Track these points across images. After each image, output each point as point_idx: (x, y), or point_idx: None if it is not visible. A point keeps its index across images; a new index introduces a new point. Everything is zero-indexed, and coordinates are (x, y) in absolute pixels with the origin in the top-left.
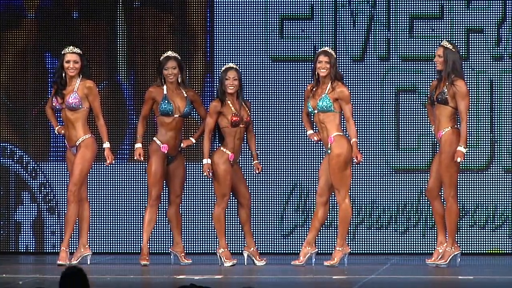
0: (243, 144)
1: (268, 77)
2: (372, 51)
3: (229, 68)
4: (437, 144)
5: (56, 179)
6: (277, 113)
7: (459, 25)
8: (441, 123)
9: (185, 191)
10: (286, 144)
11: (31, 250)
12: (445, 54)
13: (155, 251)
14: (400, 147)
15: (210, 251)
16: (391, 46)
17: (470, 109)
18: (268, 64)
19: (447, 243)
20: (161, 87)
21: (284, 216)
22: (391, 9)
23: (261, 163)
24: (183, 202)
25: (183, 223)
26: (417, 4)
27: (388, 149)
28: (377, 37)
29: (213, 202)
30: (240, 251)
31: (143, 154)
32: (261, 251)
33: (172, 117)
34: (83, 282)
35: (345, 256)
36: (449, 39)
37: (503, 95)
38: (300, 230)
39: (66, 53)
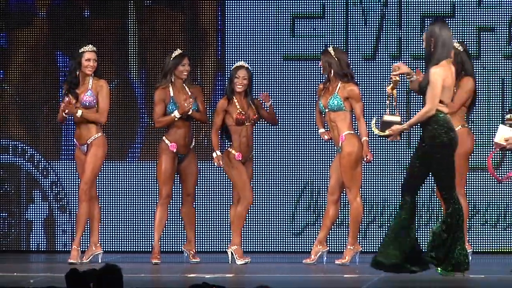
0: (256, 141)
1: (280, 75)
2: (384, 49)
3: (239, 67)
4: None
5: (68, 177)
6: (290, 110)
7: (470, 23)
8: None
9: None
10: (301, 139)
11: (42, 249)
12: (455, 54)
13: (168, 249)
14: (411, 144)
15: (222, 249)
16: (403, 44)
17: (482, 106)
18: (279, 61)
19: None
20: (167, 87)
21: (297, 213)
22: (403, 6)
23: (276, 158)
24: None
25: (197, 221)
26: (428, 2)
27: (402, 147)
28: (389, 35)
29: (225, 200)
30: (253, 250)
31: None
32: (277, 249)
33: (179, 119)
34: (119, 281)
35: (356, 254)
36: (460, 38)
37: None
38: (313, 228)
39: (86, 51)
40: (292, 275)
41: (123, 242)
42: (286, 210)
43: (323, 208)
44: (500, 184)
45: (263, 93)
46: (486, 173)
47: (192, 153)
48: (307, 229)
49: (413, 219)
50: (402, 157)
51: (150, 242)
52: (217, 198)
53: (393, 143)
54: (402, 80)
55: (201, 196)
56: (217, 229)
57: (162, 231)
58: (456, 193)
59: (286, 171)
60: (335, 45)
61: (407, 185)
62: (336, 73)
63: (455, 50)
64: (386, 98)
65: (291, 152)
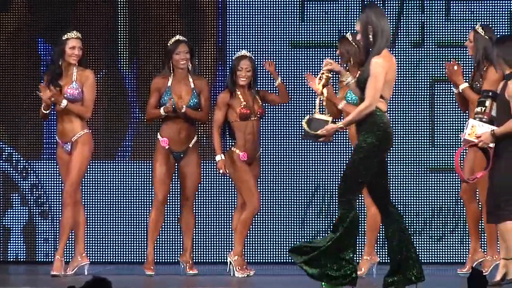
0: (262, 139)
1: (288, 64)
2: (404, 36)
3: (242, 57)
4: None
5: (50, 179)
6: (298, 104)
7: (499, 7)
8: None
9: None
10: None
11: (22, 259)
12: (476, 39)
13: (163, 260)
14: (436, 143)
15: (223, 260)
16: (425, 31)
17: None
18: (287, 50)
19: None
20: (168, 77)
21: (308, 219)
22: None
23: (284, 158)
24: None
25: (196, 228)
26: None
27: (422, 144)
28: (409, 21)
29: (227, 205)
30: (258, 261)
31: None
32: (283, 259)
33: (174, 113)
34: None
35: (373, 266)
36: (488, 23)
37: None
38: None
39: (71, 38)
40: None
41: (112, 252)
42: (296, 216)
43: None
44: None
45: (266, 61)
46: None
47: (192, 151)
48: (320, 236)
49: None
50: (426, 159)
51: (143, 252)
52: (218, 202)
53: (414, 140)
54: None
55: (201, 200)
56: (218, 237)
57: (157, 239)
58: (355, 202)
59: (295, 171)
60: (353, 31)
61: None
62: (356, 62)
63: (478, 35)
64: (316, 96)
65: (300, 150)
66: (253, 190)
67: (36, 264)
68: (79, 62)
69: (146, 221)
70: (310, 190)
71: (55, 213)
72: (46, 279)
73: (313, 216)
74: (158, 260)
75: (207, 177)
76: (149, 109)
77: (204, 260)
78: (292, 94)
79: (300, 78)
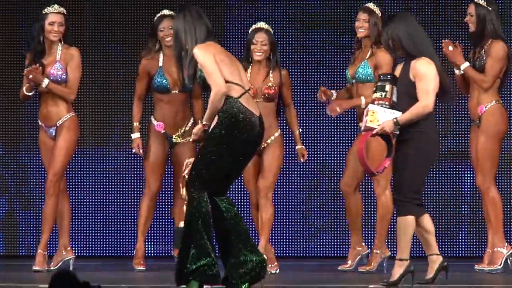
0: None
1: (296, 40)
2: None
3: (257, 29)
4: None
5: (32, 167)
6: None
7: None
8: (482, 96)
9: None
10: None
11: (1, 253)
12: (477, 12)
13: (155, 254)
14: (452, 132)
15: None
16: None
17: None
18: (296, 24)
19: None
20: (156, 56)
21: (310, 214)
22: None
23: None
24: None
25: None
26: None
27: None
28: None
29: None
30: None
31: (142, 145)
32: (286, 253)
33: (168, 94)
34: None
35: (384, 260)
36: None
37: None
38: (330, 230)
39: (50, 13)
40: (302, 285)
41: (99, 245)
42: (297, 211)
43: (340, 206)
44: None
45: (300, 148)
46: None
47: (188, 135)
48: (324, 232)
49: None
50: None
51: (133, 245)
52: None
53: None
54: None
55: None
56: None
57: (147, 232)
58: (202, 192)
59: (296, 164)
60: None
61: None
62: (376, 35)
63: (479, 7)
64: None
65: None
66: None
67: (17, 258)
68: (64, 39)
69: (136, 213)
70: (312, 183)
71: (37, 203)
72: (27, 275)
73: (315, 211)
74: (150, 255)
75: None
76: (135, 95)
77: None
78: (295, 80)
79: (309, 55)
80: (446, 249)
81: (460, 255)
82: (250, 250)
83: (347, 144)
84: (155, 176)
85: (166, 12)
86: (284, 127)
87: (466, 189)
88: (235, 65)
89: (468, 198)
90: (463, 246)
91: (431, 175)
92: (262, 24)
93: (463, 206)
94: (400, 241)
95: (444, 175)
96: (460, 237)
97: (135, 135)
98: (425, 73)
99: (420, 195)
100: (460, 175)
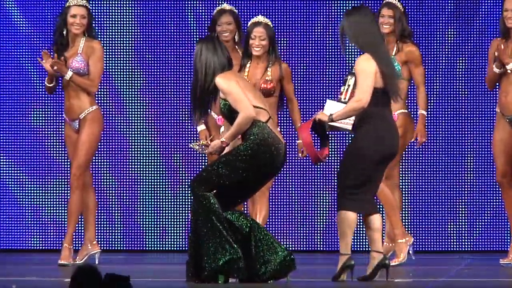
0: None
1: (297, 34)
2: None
3: (256, 24)
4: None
5: (57, 162)
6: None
7: None
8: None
9: None
10: None
11: (26, 248)
12: None
13: (176, 248)
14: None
15: None
16: None
17: None
18: (296, 17)
19: None
20: None
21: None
22: None
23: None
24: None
25: None
26: None
27: (460, 128)
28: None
29: None
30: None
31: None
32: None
33: None
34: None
35: (409, 247)
36: None
37: None
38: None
39: (72, 6)
40: (323, 279)
41: (126, 239)
42: (301, 207)
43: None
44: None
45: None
46: None
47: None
48: (328, 227)
49: None
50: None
51: (158, 240)
52: None
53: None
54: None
55: None
56: None
57: (169, 226)
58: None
59: (300, 159)
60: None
61: None
62: (401, 31)
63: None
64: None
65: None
66: None
67: (42, 252)
68: (87, 32)
69: (164, 206)
70: (315, 179)
71: (61, 197)
72: (53, 268)
73: (320, 207)
74: (171, 249)
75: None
76: None
77: None
78: (297, 69)
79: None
80: (469, 243)
81: (483, 249)
82: (275, 245)
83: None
84: None
85: (226, 6)
86: (284, 122)
87: (489, 184)
88: (255, 89)
89: (493, 192)
90: (487, 240)
91: (454, 169)
92: (260, 18)
93: (487, 200)
94: (339, 236)
95: (466, 170)
96: (484, 231)
97: (201, 127)
98: (362, 69)
99: (360, 191)
100: (481, 169)
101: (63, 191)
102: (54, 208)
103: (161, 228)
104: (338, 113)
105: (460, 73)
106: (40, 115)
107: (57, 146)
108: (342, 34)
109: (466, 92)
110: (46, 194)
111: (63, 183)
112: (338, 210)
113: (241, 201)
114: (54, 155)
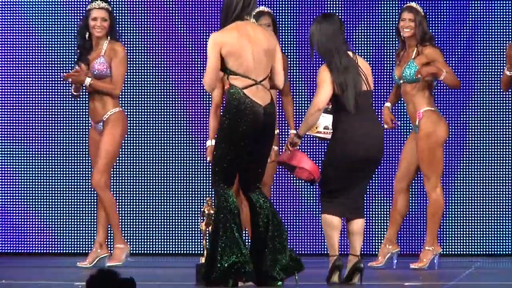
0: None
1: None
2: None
3: (259, 14)
4: None
5: (81, 165)
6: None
7: None
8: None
9: None
10: None
11: (46, 251)
12: None
13: (183, 252)
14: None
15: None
16: None
17: None
18: (297, 12)
19: None
20: None
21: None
22: None
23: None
24: None
25: None
26: None
27: (482, 134)
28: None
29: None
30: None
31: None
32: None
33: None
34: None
35: (435, 257)
36: None
37: None
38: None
39: (93, 9)
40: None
41: (138, 242)
42: (302, 207)
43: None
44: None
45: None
46: None
47: None
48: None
49: None
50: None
51: (168, 243)
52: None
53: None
54: None
55: None
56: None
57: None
58: (226, 188)
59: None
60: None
61: None
62: (421, 35)
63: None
64: None
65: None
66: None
67: (63, 256)
68: (110, 34)
69: (177, 210)
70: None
71: (83, 201)
72: (71, 271)
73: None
74: (178, 252)
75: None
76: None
77: None
78: (295, 64)
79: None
80: (490, 247)
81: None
82: (286, 244)
83: None
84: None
85: (264, 8)
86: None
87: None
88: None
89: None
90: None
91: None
92: (263, 8)
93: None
94: (326, 238)
95: (486, 172)
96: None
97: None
98: (319, 78)
99: (339, 196)
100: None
101: (85, 195)
102: (75, 212)
103: (170, 232)
104: (301, 127)
105: (480, 74)
106: (59, 119)
107: (78, 147)
108: (311, 39)
109: (486, 96)
110: (67, 198)
111: (85, 187)
112: (322, 213)
113: (254, 176)
114: (73, 157)
